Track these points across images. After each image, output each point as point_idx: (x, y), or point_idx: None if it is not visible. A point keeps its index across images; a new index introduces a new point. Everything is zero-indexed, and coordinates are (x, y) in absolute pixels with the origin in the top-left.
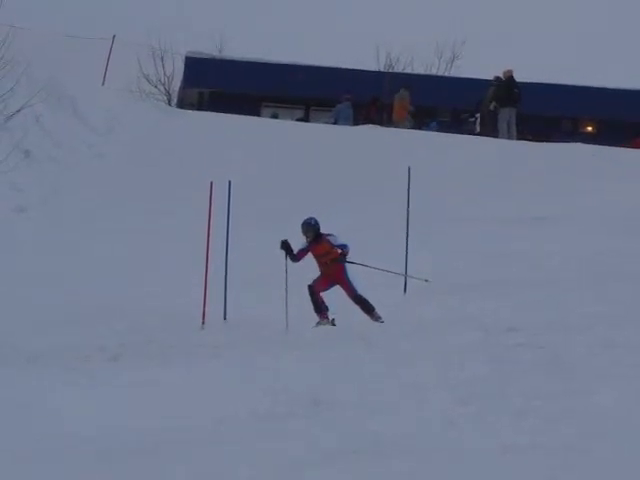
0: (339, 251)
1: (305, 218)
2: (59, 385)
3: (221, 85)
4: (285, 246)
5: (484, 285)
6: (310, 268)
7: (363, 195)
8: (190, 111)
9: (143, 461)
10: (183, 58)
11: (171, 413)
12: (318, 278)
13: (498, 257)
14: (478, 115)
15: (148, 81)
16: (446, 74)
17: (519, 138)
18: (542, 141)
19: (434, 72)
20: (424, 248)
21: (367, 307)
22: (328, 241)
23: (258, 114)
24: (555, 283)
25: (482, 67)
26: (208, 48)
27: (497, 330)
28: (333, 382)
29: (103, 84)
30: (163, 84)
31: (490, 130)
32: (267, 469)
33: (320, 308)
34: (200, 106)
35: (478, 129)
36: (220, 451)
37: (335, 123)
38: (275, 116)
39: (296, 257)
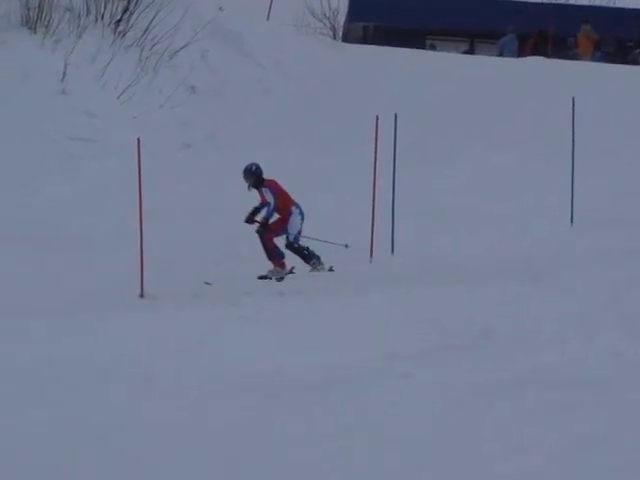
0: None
1: (247, 164)
2: (226, 320)
3: (386, 18)
4: (249, 219)
5: None
6: None
7: (527, 128)
8: (355, 45)
9: (314, 397)
10: None
11: (341, 348)
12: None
13: None
14: None
15: (313, 15)
16: (610, 5)
17: None
18: None
19: (597, 3)
20: (588, 182)
21: (302, 256)
22: (262, 192)
23: (423, 47)
24: None
25: None
26: None
27: None
28: (500, 315)
29: (268, 19)
30: (328, 18)
31: None
32: (438, 400)
33: (273, 254)
34: (365, 40)
35: None
36: (390, 385)
37: (500, 55)
38: (433, 48)
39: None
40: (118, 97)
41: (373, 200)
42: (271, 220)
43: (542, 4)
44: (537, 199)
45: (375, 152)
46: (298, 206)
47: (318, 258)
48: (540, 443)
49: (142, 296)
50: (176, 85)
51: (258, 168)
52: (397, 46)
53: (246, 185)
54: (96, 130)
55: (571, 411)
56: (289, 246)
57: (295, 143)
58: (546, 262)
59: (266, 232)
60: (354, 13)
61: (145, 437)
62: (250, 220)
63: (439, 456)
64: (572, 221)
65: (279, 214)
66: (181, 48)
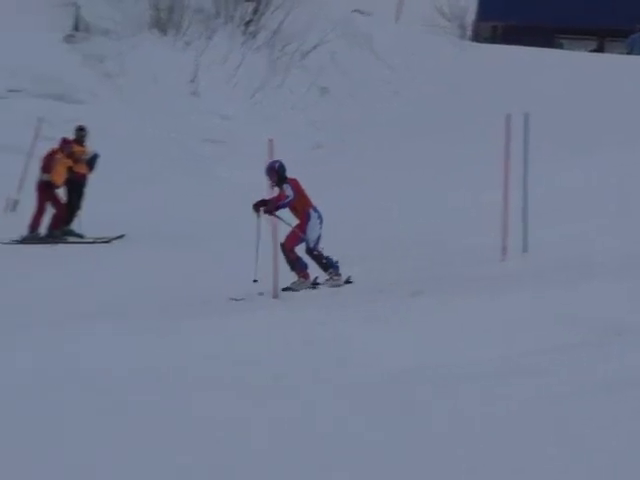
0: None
1: (270, 161)
2: (358, 321)
3: (515, 18)
4: (255, 206)
5: None
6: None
7: None
8: (484, 44)
9: (440, 394)
10: None
11: (472, 345)
12: (289, 233)
13: None
14: None
15: (442, 15)
16: None
17: None
18: None
19: None
20: None
21: (320, 264)
22: (283, 189)
23: (552, 46)
24: None
25: None
26: None
27: None
28: (633, 311)
29: (397, 20)
30: (457, 18)
31: None
32: (550, 399)
33: (296, 265)
34: (494, 39)
35: None
36: (513, 382)
37: (629, 53)
38: (561, 46)
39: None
40: (250, 98)
41: (505, 198)
42: (282, 211)
43: None
44: None
45: (506, 152)
46: (316, 210)
47: (336, 268)
48: None
49: (275, 297)
50: (307, 86)
51: (282, 166)
52: (526, 45)
53: (269, 183)
54: (227, 131)
55: None
56: (308, 252)
57: (425, 143)
58: None
59: (287, 241)
60: (483, 12)
61: (255, 439)
62: (257, 207)
63: (557, 450)
64: None
65: (297, 217)
66: (312, 49)
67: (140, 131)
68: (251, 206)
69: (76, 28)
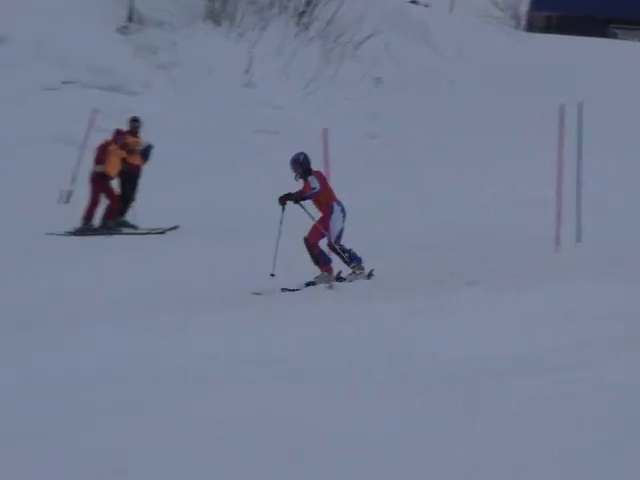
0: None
1: (294, 154)
2: (418, 309)
3: (569, 8)
4: (282, 200)
5: None
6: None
7: None
8: (538, 34)
9: (494, 385)
10: None
11: (524, 337)
12: (312, 227)
13: None
14: None
15: (496, 6)
16: None
17: None
18: None
19: None
20: None
21: (342, 258)
22: (308, 181)
23: (606, 36)
24: None
25: None
26: None
27: None
28: None
29: (451, 11)
30: (511, 8)
31: None
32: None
33: (319, 259)
34: (548, 29)
35: None
36: (567, 377)
37: None
38: (614, 36)
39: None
40: (304, 89)
41: (558, 189)
42: (306, 201)
43: None
44: None
45: (560, 142)
46: (340, 203)
47: (359, 261)
48: None
49: (330, 287)
50: (361, 76)
51: (306, 158)
52: (580, 35)
53: (293, 175)
54: (280, 122)
55: None
56: (330, 246)
57: (479, 133)
58: None
59: (310, 236)
60: (537, 2)
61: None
62: (283, 200)
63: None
64: None
65: (319, 209)
66: (366, 39)
67: (194, 122)
68: (277, 200)
69: (130, 19)
